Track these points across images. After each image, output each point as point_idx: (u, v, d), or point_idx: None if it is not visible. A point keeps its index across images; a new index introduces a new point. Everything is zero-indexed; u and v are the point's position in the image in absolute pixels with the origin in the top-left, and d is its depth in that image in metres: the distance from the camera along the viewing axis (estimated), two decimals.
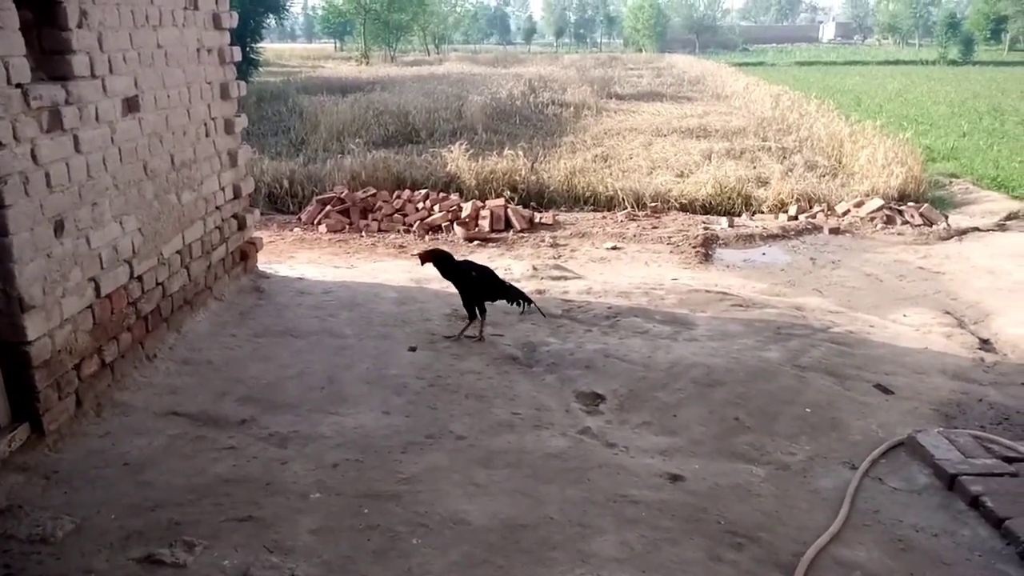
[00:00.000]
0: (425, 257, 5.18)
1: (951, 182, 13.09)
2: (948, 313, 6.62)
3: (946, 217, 10.41)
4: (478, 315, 5.18)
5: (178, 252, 4.89)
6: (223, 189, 5.59)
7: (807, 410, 4.30)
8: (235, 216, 5.82)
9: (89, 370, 3.90)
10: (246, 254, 6.05)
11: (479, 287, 5.16)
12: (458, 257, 5.38)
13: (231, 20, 5.64)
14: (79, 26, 3.82)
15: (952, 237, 9.41)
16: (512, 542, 3.05)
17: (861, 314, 6.35)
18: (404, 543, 3.01)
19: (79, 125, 3.81)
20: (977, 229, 9.69)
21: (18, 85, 3.37)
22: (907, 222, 10.06)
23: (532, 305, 5.38)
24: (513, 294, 5.30)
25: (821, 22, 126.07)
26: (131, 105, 4.30)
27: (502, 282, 5.32)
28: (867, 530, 3.24)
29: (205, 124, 5.29)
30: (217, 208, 5.49)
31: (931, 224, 10.00)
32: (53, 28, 3.71)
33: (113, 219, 4.12)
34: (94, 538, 2.95)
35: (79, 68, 3.82)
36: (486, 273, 5.28)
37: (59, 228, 3.66)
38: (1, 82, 3.26)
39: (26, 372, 3.47)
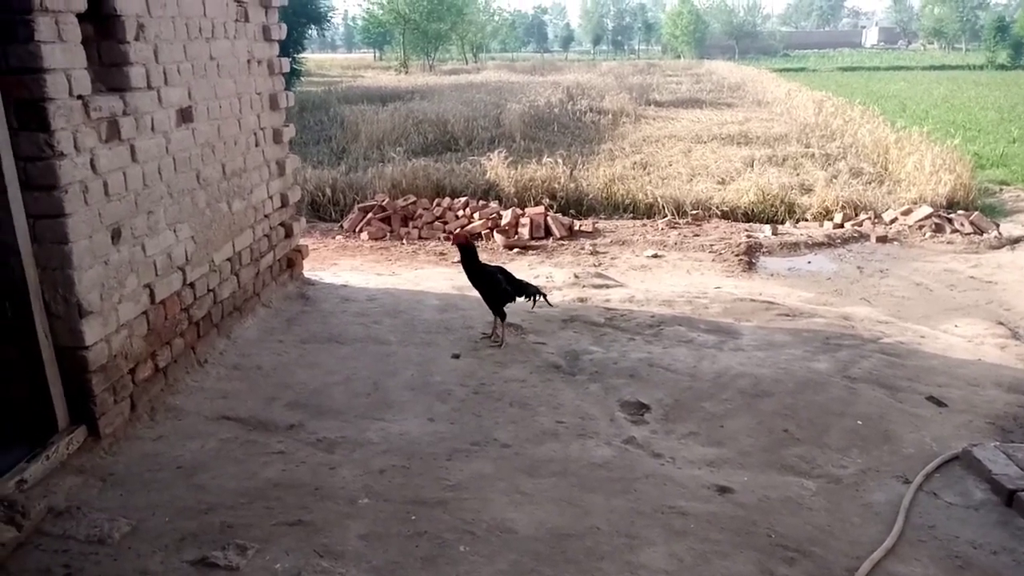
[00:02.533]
0: (459, 239, 5.29)
1: (1001, 189, 12.76)
2: (1001, 324, 6.44)
3: (997, 225, 10.13)
4: (505, 315, 5.27)
5: (228, 259, 4.98)
6: (271, 198, 5.69)
7: (858, 422, 4.21)
8: (282, 224, 5.91)
9: (143, 375, 3.99)
10: (292, 261, 6.14)
11: (506, 289, 5.25)
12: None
13: (280, 32, 5.74)
14: (136, 39, 3.92)
15: (1004, 246, 9.17)
16: (559, 551, 3.04)
17: (911, 324, 6.21)
18: (452, 550, 3.02)
19: (136, 135, 3.91)
20: None
21: (79, 96, 3.47)
22: (957, 230, 9.82)
23: (543, 298, 5.55)
24: (530, 290, 5.40)
25: (864, 27, 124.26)
26: (185, 115, 4.40)
27: (519, 280, 5.42)
28: (923, 546, 3.17)
29: (255, 134, 5.39)
30: (265, 216, 5.59)
31: (982, 232, 9.74)
32: (112, 41, 3.81)
33: (167, 227, 4.21)
34: (149, 540, 3.01)
35: (136, 80, 3.92)
36: (507, 274, 5.39)
37: (116, 236, 3.76)
38: (63, 94, 3.37)
39: (83, 376, 3.56)
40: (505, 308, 5.28)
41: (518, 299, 5.35)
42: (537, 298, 5.45)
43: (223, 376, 4.57)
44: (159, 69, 4.13)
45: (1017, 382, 4.94)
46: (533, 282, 6.70)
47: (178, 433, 3.89)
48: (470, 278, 5.28)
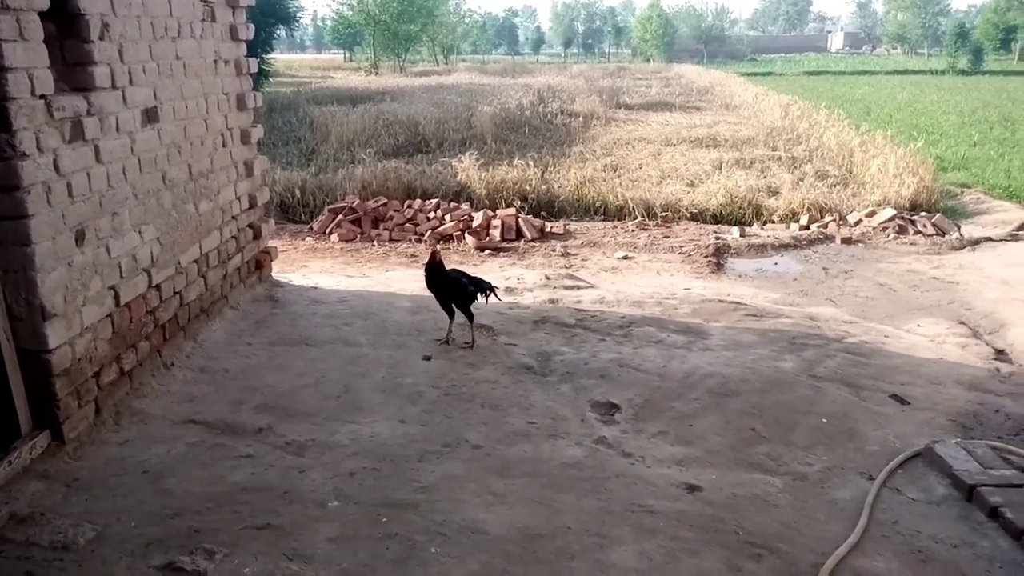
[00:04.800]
0: (436, 257, 5.23)
1: (963, 192, 13.05)
2: (963, 323, 6.59)
3: (959, 227, 10.38)
4: (472, 315, 5.26)
5: (195, 261, 4.92)
6: (239, 199, 5.63)
7: (823, 420, 4.29)
8: (251, 226, 5.86)
9: (108, 378, 3.93)
10: (261, 263, 6.08)
11: (472, 290, 5.26)
12: (463, 269, 5.50)
13: (247, 32, 5.69)
14: (101, 38, 3.86)
15: (965, 247, 9.39)
16: (530, 552, 3.05)
17: (875, 324, 6.33)
18: (423, 552, 3.01)
19: (100, 135, 3.85)
20: (990, 239, 9.66)
21: (42, 96, 3.42)
22: (919, 232, 10.03)
23: (493, 292, 5.50)
24: (484, 286, 5.39)
25: (829, 32, 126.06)
26: (150, 116, 4.35)
27: (473, 278, 5.42)
28: (886, 541, 3.23)
29: (222, 135, 5.33)
30: (233, 218, 5.53)
31: (944, 234, 9.97)
32: (76, 40, 3.75)
33: (132, 228, 4.16)
34: (115, 546, 2.97)
35: (100, 79, 3.86)
36: (466, 275, 5.39)
37: (80, 237, 3.70)
38: (25, 93, 3.31)
39: (47, 380, 3.50)
40: (471, 309, 5.28)
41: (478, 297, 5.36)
42: (488, 294, 5.45)
43: (190, 379, 4.51)
44: (124, 69, 4.08)
45: (977, 380, 5.06)
46: (504, 283, 6.75)
47: (144, 437, 3.83)
48: (435, 290, 5.24)
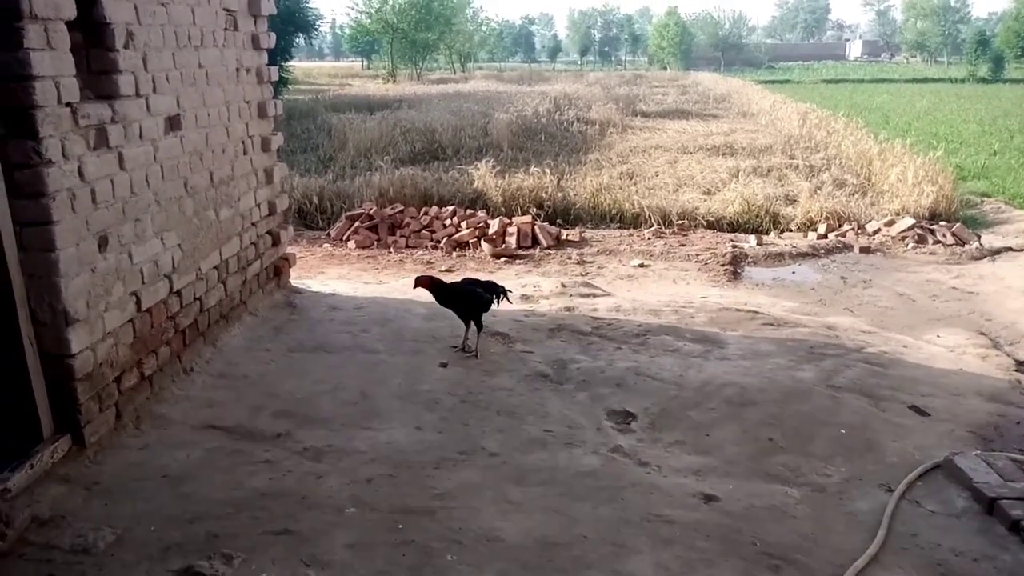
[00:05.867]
0: (422, 283, 5.21)
1: (983, 201, 12.92)
2: (983, 334, 6.52)
3: (979, 237, 10.27)
4: (482, 325, 5.25)
5: (215, 267, 4.97)
6: (259, 206, 5.68)
7: (842, 431, 4.26)
8: (270, 232, 5.91)
9: (129, 383, 3.97)
10: (280, 270, 6.13)
11: (489, 298, 5.26)
12: (477, 276, 5.49)
13: (269, 41, 5.75)
14: (125, 47, 3.92)
15: (985, 257, 9.28)
16: (546, 560, 3.05)
17: (894, 334, 6.28)
18: (439, 559, 3.02)
19: (124, 143, 3.91)
20: (1011, 249, 9.54)
21: (67, 104, 3.47)
22: (939, 241, 9.94)
23: (506, 296, 5.50)
24: (497, 289, 5.40)
25: (848, 40, 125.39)
26: (173, 123, 4.40)
27: (486, 282, 5.44)
28: (905, 554, 3.20)
29: (243, 142, 5.39)
30: (253, 224, 5.58)
31: (963, 244, 9.87)
32: (101, 49, 3.81)
33: (154, 235, 4.21)
34: (134, 549, 3.00)
35: (125, 87, 3.92)
36: (476, 281, 5.40)
37: (103, 243, 3.75)
38: (52, 101, 3.36)
39: (69, 384, 3.55)
40: (483, 314, 5.27)
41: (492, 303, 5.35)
42: (502, 297, 5.44)
43: (209, 385, 4.55)
44: (148, 77, 4.13)
45: (997, 391, 5.00)
46: (520, 291, 6.76)
47: (164, 442, 3.87)
48: (446, 304, 5.25)
